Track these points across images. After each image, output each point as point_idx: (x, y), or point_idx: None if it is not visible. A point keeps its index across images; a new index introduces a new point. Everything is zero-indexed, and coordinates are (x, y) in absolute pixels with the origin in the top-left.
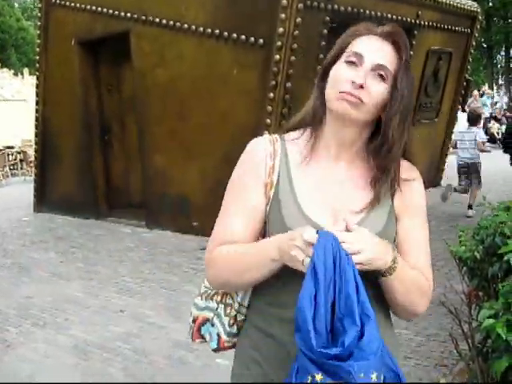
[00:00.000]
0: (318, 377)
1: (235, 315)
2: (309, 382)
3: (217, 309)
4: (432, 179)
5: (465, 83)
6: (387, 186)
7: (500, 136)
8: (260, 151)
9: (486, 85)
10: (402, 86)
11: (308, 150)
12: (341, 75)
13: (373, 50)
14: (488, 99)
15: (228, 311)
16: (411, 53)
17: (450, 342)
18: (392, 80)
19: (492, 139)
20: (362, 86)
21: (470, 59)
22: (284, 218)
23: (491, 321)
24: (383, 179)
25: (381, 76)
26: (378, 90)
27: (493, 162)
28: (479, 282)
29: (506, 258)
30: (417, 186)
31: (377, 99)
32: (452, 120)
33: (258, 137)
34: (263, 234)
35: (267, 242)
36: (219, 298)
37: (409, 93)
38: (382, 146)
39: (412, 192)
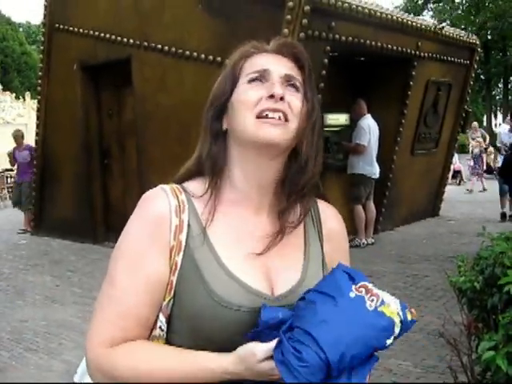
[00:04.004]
0: None
1: None
2: None
3: None
4: (431, 209)
5: (464, 114)
6: (314, 231)
7: (496, 167)
8: (161, 206)
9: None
10: (312, 97)
11: (221, 205)
12: (250, 95)
13: (274, 62)
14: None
15: None
16: (411, 83)
17: (449, 374)
18: (302, 91)
19: (489, 170)
20: (282, 98)
21: (469, 90)
22: (210, 286)
23: (491, 353)
24: (297, 208)
25: (293, 86)
26: (296, 103)
27: (490, 192)
28: (479, 313)
29: (505, 288)
30: (343, 230)
31: (298, 113)
32: (451, 150)
33: (155, 188)
34: (168, 313)
35: (207, 362)
36: None
37: (318, 105)
38: (298, 171)
39: (340, 237)
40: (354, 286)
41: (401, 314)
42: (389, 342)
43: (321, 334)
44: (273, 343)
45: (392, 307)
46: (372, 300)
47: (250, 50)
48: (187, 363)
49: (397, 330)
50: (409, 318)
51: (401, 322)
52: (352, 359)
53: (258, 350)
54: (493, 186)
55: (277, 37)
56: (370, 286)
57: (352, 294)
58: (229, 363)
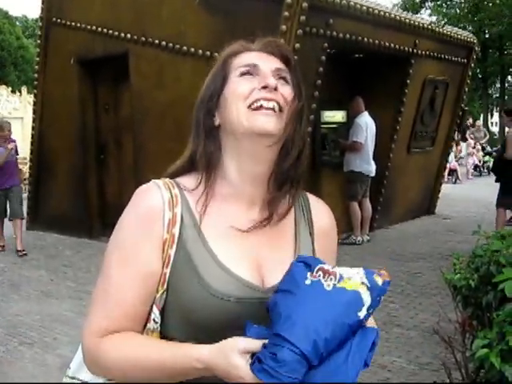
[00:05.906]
0: None
1: None
2: None
3: None
4: (426, 207)
5: (460, 113)
6: (305, 224)
7: (482, 165)
8: (155, 200)
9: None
10: (300, 88)
11: (214, 200)
12: (242, 86)
13: (263, 59)
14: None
15: None
16: (408, 81)
17: (443, 372)
18: (291, 82)
19: (477, 168)
20: (276, 89)
21: (466, 89)
22: (203, 277)
23: (485, 350)
24: (286, 199)
25: (283, 79)
26: (288, 93)
27: (485, 191)
28: (473, 310)
29: (500, 286)
30: (334, 229)
31: (290, 102)
32: (447, 149)
33: (149, 182)
34: (162, 305)
35: (189, 353)
36: None
37: (305, 98)
38: (288, 161)
39: (331, 236)
40: (309, 273)
41: (366, 282)
42: (361, 314)
43: (288, 330)
44: (256, 342)
45: (353, 279)
46: (330, 279)
47: (238, 48)
48: (168, 351)
49: (366, 298)
50: (379, 282)
51: (369, 289)
52: (327, 343)
53: (241, 339)
54: (485, 185)
55: (259, 37)
56: (327, 266)
57: (308, 282)
58: (206, 350)
